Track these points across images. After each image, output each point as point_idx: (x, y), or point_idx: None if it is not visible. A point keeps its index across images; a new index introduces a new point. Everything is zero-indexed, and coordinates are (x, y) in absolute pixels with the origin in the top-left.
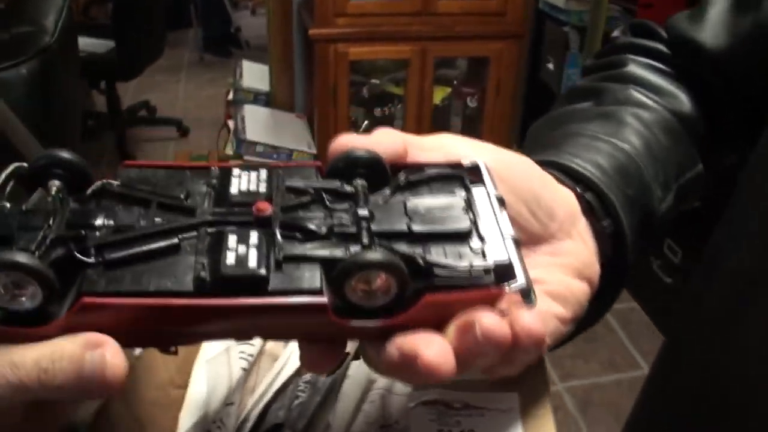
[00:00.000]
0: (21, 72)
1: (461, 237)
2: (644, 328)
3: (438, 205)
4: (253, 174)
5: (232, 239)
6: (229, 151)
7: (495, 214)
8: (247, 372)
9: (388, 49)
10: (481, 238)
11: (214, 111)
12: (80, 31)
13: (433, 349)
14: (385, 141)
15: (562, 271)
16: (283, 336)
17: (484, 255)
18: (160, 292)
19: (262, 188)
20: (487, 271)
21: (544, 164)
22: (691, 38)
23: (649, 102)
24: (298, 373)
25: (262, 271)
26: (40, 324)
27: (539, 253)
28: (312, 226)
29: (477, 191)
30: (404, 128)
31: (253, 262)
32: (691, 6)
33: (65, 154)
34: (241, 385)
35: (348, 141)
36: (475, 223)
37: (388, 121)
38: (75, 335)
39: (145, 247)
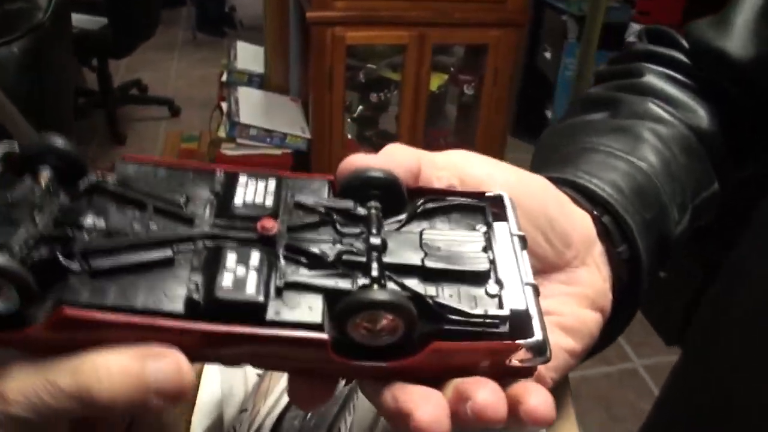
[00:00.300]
0: (12, 50)
1: (478, 279)
2: (636, 321)
3: (456, 240)
4: (261, 184)
5: (231, 258)
6: (222, 133)
7: (515, 256)
8: (261, 377)
9: (386, 34)
10: (499, 283)
11: (206, 91)
12: (73, 7)
13: (428, 409)
14: (398, 158)
15: (575, 301)
16: (278, 368)
17: (500, 302)
18: (147, 310)
19: (269, 201)
20: (502, 320)
21: (559, 182)
22: (716, 47)
23: (667, 116)
24: None
25: (261, 299)
26: (16, 327)
27: (553, 281)
28: (319, 252)
29: (498, 227)
30: (399, 114)
31: (251, 287)
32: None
33: (60, 142)
34: (255, 391)
35: (358, 160)
36: (493, 263)
37: (383, 107)
38: (123, 348)
39: (135, 258)
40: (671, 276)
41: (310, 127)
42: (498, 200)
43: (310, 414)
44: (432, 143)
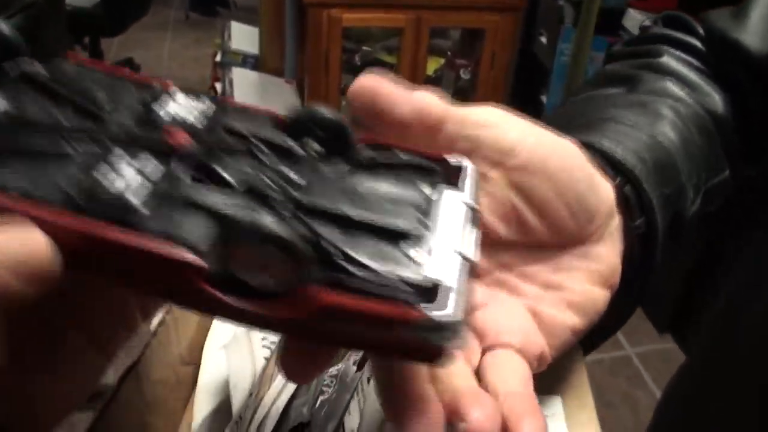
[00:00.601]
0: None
1: (402, 239)
2: None
3: (391, 195)
4: (197, 103)
5: (122, 158)
6: None
7: (460, 226)
8: (268, 360)
9: (383, 16)
10: (425, 248)
11: (198, 72)
12: None
13: (419, 427)
14: (419, 104)
15: (587, 277)
16: (145, 290)
17: (418, 267)
18: (15, 190)
19: (195, 119)
20: (412, 286)
21: (584, 145)
22: (731, 37)
23: (685, 97)
24: None
25: (138, 204)
26: None
27: (567, 255)
28: (227, 176)
29: (450, 195)
30: None
31: (131, 189)
32: None
33: (2, 26)
34: (261, 375)
35: (376, 84)
36: (425, 227)
37: None
38: None
39: (27, 143)
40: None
41: None
42: (457, 168)
43: (319, 402)
44: None
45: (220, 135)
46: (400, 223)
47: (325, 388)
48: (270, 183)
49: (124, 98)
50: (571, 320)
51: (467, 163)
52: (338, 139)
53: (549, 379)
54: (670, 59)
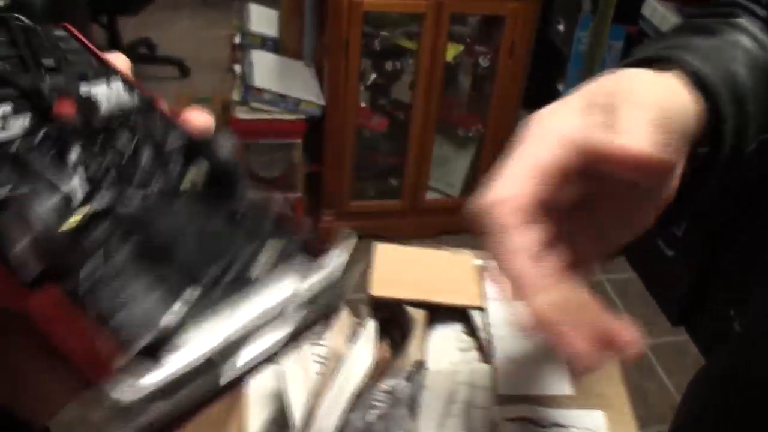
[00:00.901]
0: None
1: (186, 285)
2: (640, 299)
3: (219, 245)
4: (124, 95)
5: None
6: (236, 96)
7: (275, 304)
8: (320, 375)
9: (404, 1)
10: (205, 308)
11: (215, 53)
12: None
13: (579, 346)
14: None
15: (651, 205)
16: None
17: (167, 327)
18: None
19: (107, 106)
20: (138, 339)
21: (676, 62)
22: None
23: (756, 52)
24: (368, 377)
25: None
26: None
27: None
28: (71, 155)
29: (292, 275)
30: (416, 84)
31: None
32: None
33: None
34: (314, 390)
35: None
36: (227, 293)
37: (396, 76)
38: None
39: None
40: (677, 255)
41: (324, 94)
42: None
43: (370, 414)
44: (444, 112)
45: (112, 124)
46: (196, 271)
47: (378, 403)
48: (101, 165)
49: (73, 68)
50: (626, 239)
51: (339, 256)
52: (224, 177)
53: (592, 395)
54: (744, 20)
